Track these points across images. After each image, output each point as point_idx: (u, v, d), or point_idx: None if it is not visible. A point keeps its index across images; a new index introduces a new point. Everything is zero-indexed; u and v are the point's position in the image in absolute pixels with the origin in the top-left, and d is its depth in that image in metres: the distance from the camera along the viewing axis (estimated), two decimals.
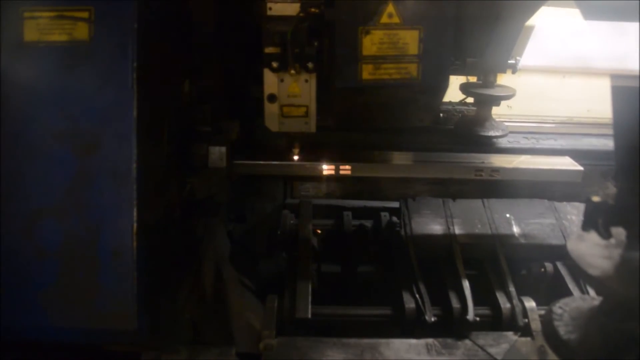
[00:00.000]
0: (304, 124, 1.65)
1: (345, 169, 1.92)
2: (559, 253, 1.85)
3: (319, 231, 2.08)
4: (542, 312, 1.59)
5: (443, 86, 1.59)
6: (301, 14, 1.52)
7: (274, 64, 1.57)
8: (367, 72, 1.54)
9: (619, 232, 1.08)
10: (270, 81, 1.61)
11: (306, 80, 1.59)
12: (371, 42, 1.51)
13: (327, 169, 1.91)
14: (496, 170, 1.92)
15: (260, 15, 1.57)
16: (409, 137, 2.13)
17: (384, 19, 1.50)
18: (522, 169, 1.95)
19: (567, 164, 1.98)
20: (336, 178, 2.18)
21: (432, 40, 1.53)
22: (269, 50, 1.56)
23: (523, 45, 2.16)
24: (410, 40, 1.51)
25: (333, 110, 1.69)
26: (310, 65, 1.56)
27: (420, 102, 1.61)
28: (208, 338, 1.66)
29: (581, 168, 1.94)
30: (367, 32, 1.51)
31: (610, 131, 1.13)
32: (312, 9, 1.53)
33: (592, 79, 2.69)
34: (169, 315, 1.58)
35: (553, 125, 2.41)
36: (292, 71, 1.58)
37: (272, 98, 1.61)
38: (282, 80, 1.60)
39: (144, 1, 1.29)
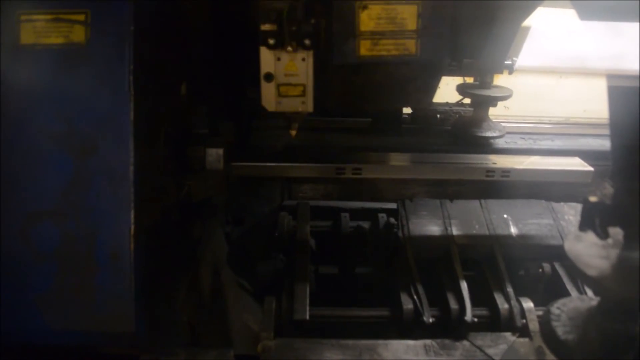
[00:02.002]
0: (301, 103, 1.62)
1: (342, 171, 1.92)
2: (557, 253, 1.85)
3: None
4: (540, 312, 1.59)
5: (442, 64, 1.57)
6: None
7: (271, 41, 1.53)
8: (364, 48, 1.52)
9: (616, 232, 1.08)
10: (267, 60, 1.57)
11: (303, 59, 1.56)
12: (369, 18, 1.49)
13: (324, 170, 1.91)
14: (507, 171, 1.92)
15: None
16: (407, 138, 2.13)
17: None
18: (533, 169, 1.95)
19: (577, 164, 1.98)
20: (334, 180, 2.18)
21: (431, 15, 1.50)
22: (265, 27, 1.52)
23: (519, 46, 2.17)
24: (408, 15, 1.49)
25: (330, 91, 1.67)
26: (307, 42, 1.53)
27: (418, 81, 1.59)
28: (206, 340, 1.66)
29: (591, 168, 1.94)
30: (365, 7, 1.48)
31: (606, 131, 1.13)
32: None
33: (588, 79, 2.70)
34: (167, 317, 1.57)
35: (550, 125, 2.42)
36: (289, 48, 1.54)
37: (269, 77, 1.58)
38: (279, 59, 1.56)
39: (141, 4, 1.29)
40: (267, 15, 1.51)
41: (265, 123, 2.19)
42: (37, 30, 1.27)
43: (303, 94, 1.60)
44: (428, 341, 1.60)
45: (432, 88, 1.71)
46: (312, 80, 1.59)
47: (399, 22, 1.50)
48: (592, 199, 1.09)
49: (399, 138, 2.15)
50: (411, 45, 1.51)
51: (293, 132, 1.77)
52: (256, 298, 1.81)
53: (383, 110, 2.14)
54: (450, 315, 1.65)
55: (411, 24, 1.50)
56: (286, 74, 1.58)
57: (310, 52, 1.56)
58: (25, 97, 1.27)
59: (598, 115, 2.41)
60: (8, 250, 1.27)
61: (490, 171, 1.91)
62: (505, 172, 1.91)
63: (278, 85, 1.59)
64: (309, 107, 1.63)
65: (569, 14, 2.24)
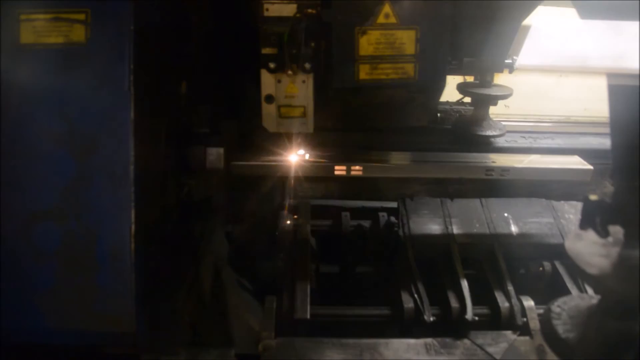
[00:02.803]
0: (301, 124, 1.65)
1: (342, 170, 1.92)
2: (557, 252, 1.85)
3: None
4: (541, 311, 1.59)
5: (440, 86, 1.60)
6: (298, 15, 1.52)
7: (271, 65, 1.57)
8: (364, 72, 1.54)
9: (617, 231, 1.08)
10: (268, 82, 1.60)
11: (303, 81, 1.59)
12: (368, 42, 1.51)
13: (325, 169, 1.91)
14: (507, 169, 1.92)
15: (256, 16, 1.57)
16: (407, 137, 2.13)
17: (381, 19, 1.50)
18: (532, 168, 1.95)
19: (576, 163, 1.98)
20: (334, 179, 2.18)
21: (429, 40, 1.53)
22: (266, 51, 1.56)
23: (519, 45, 2.17)
24: (407, 40, 1.51)
25: (331, 110, 1.70)
26: (307, 65, 1.56)
27: (417, 102, 1.61)
28: (207, 339, 1.66)
29: (591, 167, 1.94)
30: (364, 32, 1.51)
31: (607, 130, 1.13)
32: (309, 10, 1.53)
33: (588, 78, 2.69)
34: (168, 316, 1.58)
35: (550, 124, 2.42)
36: (289, 72, 1.58)
37: (270, 99, 1.61)
38: (279, 81, 1.60)
39: (141, 3, 1.29)
40: (267, 39, 1.54)
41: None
42: (37, 29, 1.27)
43: (303, 115, 1.64)
44: (429, 340, 1.60)
45: (432, 107, 1.73)
46: (312, 102, 1.63)
47: (398, 46, 1.53)
48: (593, 197, 1.09)
49: (399, 137, 2.15)
50: (410, 69, 1.54)
51: (293, 156, 1.82)
52: (257, 297, 1.81)
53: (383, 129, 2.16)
54: (451, 313, 1.65)
55: (410, 48, 1.53)
56: (287, 95, 1.62)
57: (311, 75, 1.59)
58: (26, 97, 1.27)
59: (599, 114, 2.41)
60: (9, 250, 1.27)
61: (490, 170, 1.91)
62: (505, 170, 1.91)
63: (279, 107, 1.63)
64: (310, 128, 1.66)
65: (569, 13, 2.24)
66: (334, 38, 1.53)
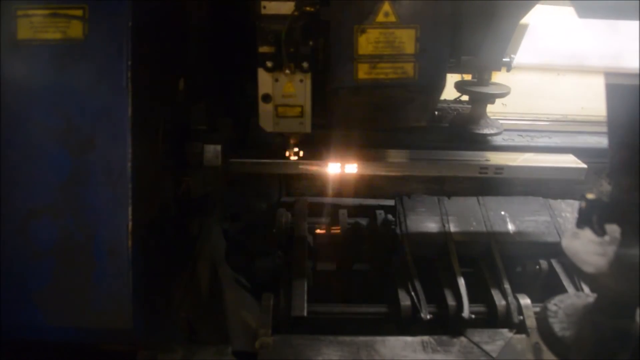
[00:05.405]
0: (298, 124, 1.63)
1: (341, 168, 1.92)
2: (554, 250, 1.85)
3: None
4: (537, 309, 1.59)
5: (440, 85, 1.58)
6: (296, 13, 1.51)
7: (269, 64, 1.55)
8: (362, 72, 1.52)
9: (613, 229, 1.09)
10: (265, 81, 1.58)
11: (301, 80, 1.58)
12: (367, 41, 1.50)
13: (322, 167, 1.91)
14: (501, 168, 1.92)
15: (254, 14, 1.56)
16: (405, 135, 2.13)
17: (380, 18, 1.49)
18: (526, 166, 1.95)
19: (570, 161, 1.98)
20: (331, 176, 2.18)
21: (429, 39, 1.51)
22: (263, 49, 1.54)
23: (517, 44, 2.17)
24: (406, 39, 1.50)
25: (329, 110, 1.68)
26: (305, 64, 1.54)
27: (417, 101, 1.60)
28: (204, 337, 1.66)
29: (585, 165, 1.95)
30: (363, 31, 1.49)
31: (604, 129, 1.13)
32: (307, 8, 1.51)
33: (586, 76, 2.70)
34: (165, 314, 1.58)
35: (547, 122, 2.42)
36: (287, 71, 1.56)
37: (267, 98, 1.59)
38: (276, 80, 1.58)
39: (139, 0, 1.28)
40: (265, 37, 1.52)
41: None
42: (35, 25, 1.26)
43: (301, 114, 1.61)
44: (425, 337, 1.61)
45: (431, 107, 1.71)
46: (310, 102, 1.61)
47: (397, 45, 1.50)
48: (590, 196, 1.09)
49: (397, 135, 2.15)
50: (409, 69, 1.52)
51: (291, 156, 1.80)
52: (254, 295, 1.81)
53: (381, 129, 2.15)
54: (448, 311, 1.66)
55: (409, 47, 1.50)
56: (284, 95, 1.59)
57: (308, 74, 1.57)
58: (23, 93, 1.27)
59: (596, 113, 2.41)
60: (6, 247, 1.27)
61: (484, 168, 1.92)
62: (499, 168, 1.92)
63: (276, 106, 1.60)
64: (307, 128, 1.64)
65: (567, 12, 2.24)
66: (333, 36, 1.52)
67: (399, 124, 1.86)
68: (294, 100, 1.60)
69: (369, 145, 2.04)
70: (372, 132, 2.18)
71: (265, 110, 1.61)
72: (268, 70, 1.56)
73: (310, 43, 1.54)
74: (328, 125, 1.78)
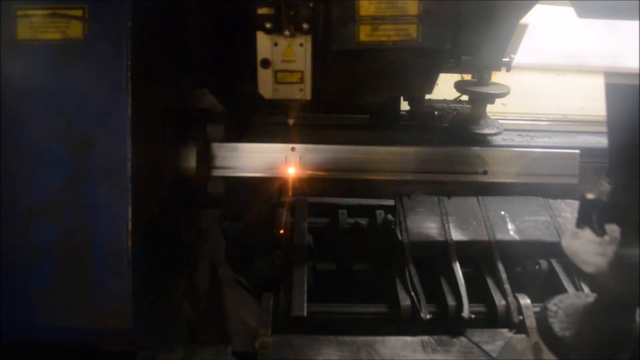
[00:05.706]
0: (298, 90, 1.56)
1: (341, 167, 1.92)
2: (554, 250, 1.85)
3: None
4: (537, 309, 1.59)
5: (444, 50, 1.52)
6: None
7: (268, 25, 1.48)
8: (364, 34, 1.46)
9: (613, 229, 1.08)
10: (264, 45, 1.52)
11: (301, 44, 1.51)
12: (369, 2, 1.44)
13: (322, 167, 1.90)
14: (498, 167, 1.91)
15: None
16: (405, 135, 2.13)
17: None
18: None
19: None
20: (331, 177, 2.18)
21: (433, 1, 1.45)
22: (262, 11, 1.47)
23: (517, 43, 2.17)
24: None
25: (330, 78, 1.63)
26: (305, 26, 1.47)
27: (420, 67, 1.54)
28: (204, 337, 1.66)
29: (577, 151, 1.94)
30: None
31: (604, 129, 1.13)
32: None
33: (586, 76, 2.70)
34: (165, 314, 1.57)
35: (547, 122, 2.43)
36: (287, 32, 1.48)
37: (266, 63, 1.53)
38: (276, 45, 1.51)
39: None
40: None
41: (263, 119, 2.19)
42: (34, 25, 1.26)
43: (301, 80, 1.55)
44: (425, 337, 1.60)
45: (434, 76, 1.66)
46: (310, 67, 1.54)
47: (400, 6, 1.44)
48: (590, 196, 1.09)
49: (397, 134, 2.15)
50: (412, 31, 1.46)
51: (290, 121, 1.74)
52: (254, 294, 1.81)
53: (383, 99, 2.09)
54: (448, 311, 1.66)
55: (412, 8, 1.44)
56: (284, 60, 1.53)
57: (309, 37, 1.51)
58: (22, 93, 1.27)
59: (596, 113, 2.41)
60: (5, 247, 1.27)
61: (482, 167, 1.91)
62: (496, 168, 1.91)
63: (275, 72, 1.54)
64: (307, 95, 1.58)
65: (567, 12, 2.24)
66: None
67: (401, 93, 1.81)
68: (294, 66, 1.54)
69: (369, 144, 2.04)
70: (373, 131, 2.19)
71: (264, 76, 1.55)
72: (267, 31, 1.50)
73: (311, 4, 1.47)
74: (327, 94, 1.71)
